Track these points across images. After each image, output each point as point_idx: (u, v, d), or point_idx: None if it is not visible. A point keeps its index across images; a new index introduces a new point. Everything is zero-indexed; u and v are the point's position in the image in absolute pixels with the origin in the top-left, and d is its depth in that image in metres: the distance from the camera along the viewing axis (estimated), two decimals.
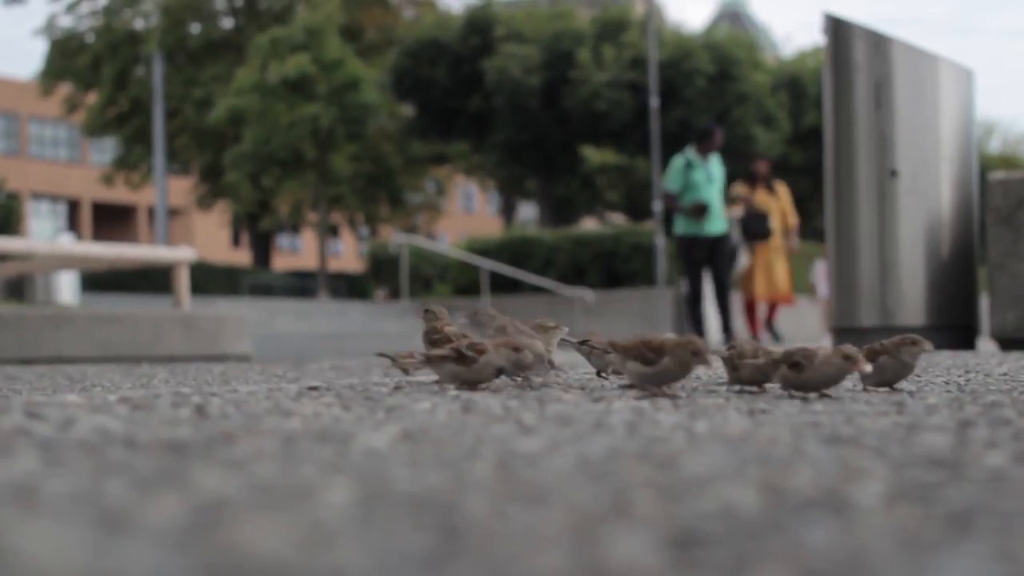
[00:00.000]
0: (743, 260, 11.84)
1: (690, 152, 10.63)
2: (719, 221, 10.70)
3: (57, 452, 1.50)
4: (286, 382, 3.69)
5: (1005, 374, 3.41)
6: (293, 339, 17.21)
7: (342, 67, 31.67)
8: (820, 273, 17.58)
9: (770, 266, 11.90)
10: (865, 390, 2.76)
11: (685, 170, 10.54)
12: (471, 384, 2.70)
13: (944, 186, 6.98)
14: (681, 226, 10.68)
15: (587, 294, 20.43)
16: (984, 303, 10.03)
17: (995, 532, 1.00)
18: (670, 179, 10.65)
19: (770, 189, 12.07)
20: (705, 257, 10.63)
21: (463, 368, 2.66)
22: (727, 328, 10.74)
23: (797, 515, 1.07)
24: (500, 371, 2.69)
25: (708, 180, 10.54)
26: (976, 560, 0.90)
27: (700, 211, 10.40)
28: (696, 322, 10.78)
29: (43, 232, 44.80)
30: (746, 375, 2.69)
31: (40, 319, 8.39)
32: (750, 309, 12.14)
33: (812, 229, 28.68)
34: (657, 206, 21.78)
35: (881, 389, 2.79)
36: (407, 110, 32.52)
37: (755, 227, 11.76)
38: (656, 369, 2.53)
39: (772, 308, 12.37)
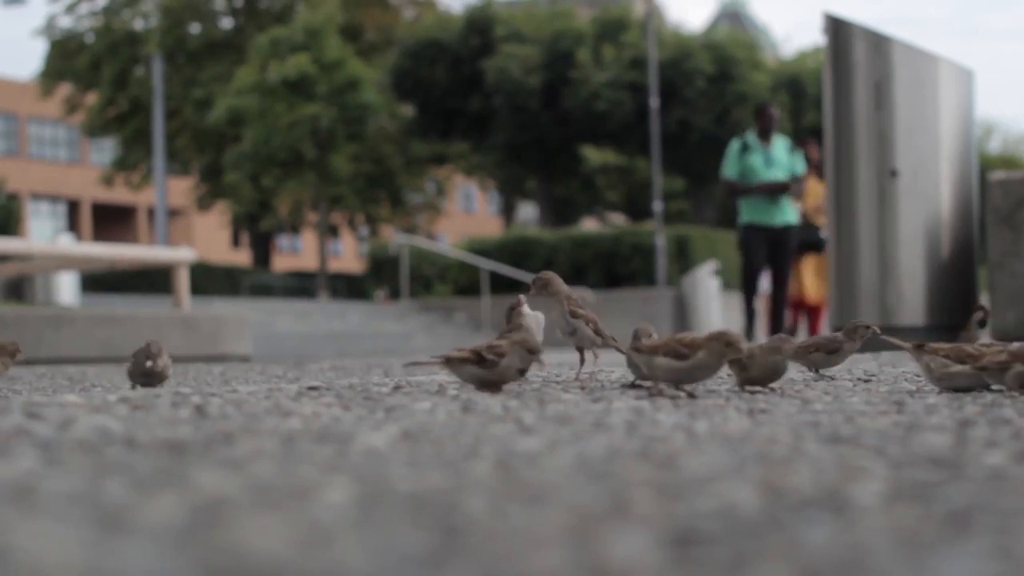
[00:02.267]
0: None
1: (750, 135, 9.65)
2: (786, 211, 9.61)
3: (57, 452, 1.50)
4: (286, 382, 3.69)
5: None
6: (293, 339, 17.20)
7: (342, 67, 31.65)
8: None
9: (820, 265, 10.79)
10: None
11: (741, 154, 9.53)
12: (493, 386, 2.70)
13: (944, 186, 6.98)
14: (745, 214, 9.60)
15: (587, 294, 20.42)
16: (984, 303, 9.97)
17: (994, 531, 1.00)
18: (726, 166, 9.62)
19: (821, 175, 10.53)
20: (766, 249, 9.58)
21: (484, 371, 2.66)
22: (777, 328, 9.77)
23: (796, 514, 1.07)
24: (522, 372, 2.70)
25: (767, 164, 9.49)
26: (975, 559, 0.90)
27: (781, 189, 9.40)
28: (750, 316, 9.78)
29: (43, 233, 44.77)
30: (755, 374, 2.68)
31: (40, 320, 8.39)
32: (797, 307, 11.11)
33: None
34: (657, 206, 21.77)
35: (882, 389, 2.79)
36: (407, 110, 32.51)
37: (806, 239, 10.49)
38: (691, 363, 2.48)
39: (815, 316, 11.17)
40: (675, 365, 2.50)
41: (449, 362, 2.73)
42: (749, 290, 9.79)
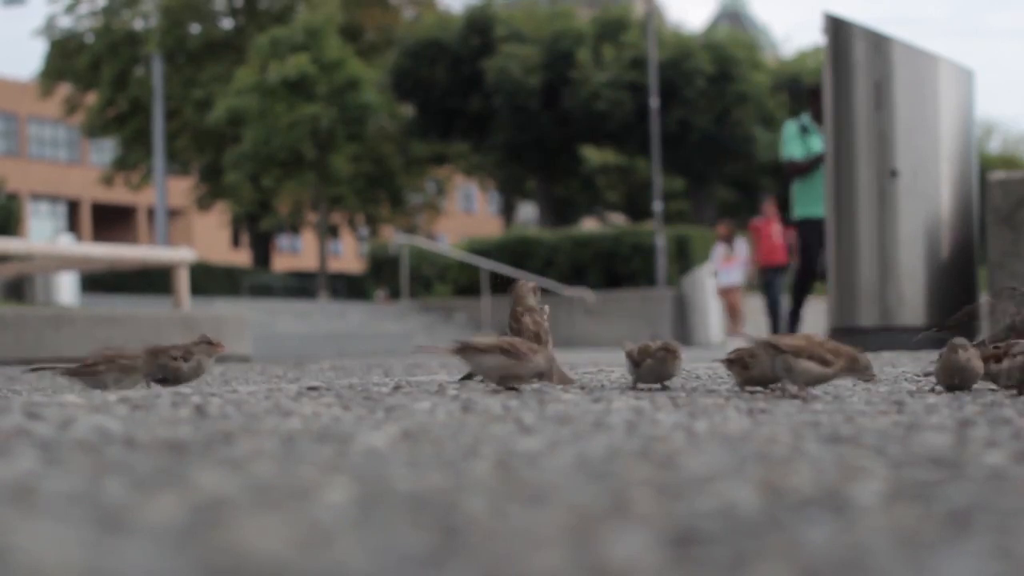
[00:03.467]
0: None
1: (805, 117, 9.16)
2: None
3: (57, 452, 1.49)
4: (286, 382, 3.69)
5: None
6: (293, 339, 17.21)
7: (342, 67, 31.66)
8: (719, 258, 15.85)
9: None
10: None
11: (802, 135, 9.03)
12: (507, 380, 2.66)
13: (944, 186, 6.98)
14: (800, 207, 9.11)
15: (587, 294, 20.42)
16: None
17: (994, 531, 1.00)
18: (789, 146, 9.08)
19: None
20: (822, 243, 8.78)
21: (513, 361, 2.63)
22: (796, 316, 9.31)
23: (796, 514, 1.07)
24: (540, 375, 2.67)
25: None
26: (975, 559, 0.90)
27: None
28: (796, 316, 9.26)
29: (43, 233, 44.76)
30: (757, 374, 2.68)
31: (40, 320, 8.39)
32: None
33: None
34: (657, 206, 21.77)
35: (882, 389, 2.79)
36: (407, 110, 32.52)
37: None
38: (834, 370, 2.47)
39: None
40: (821, 371, 2.49)
41: (466, 349, 2.68)
42: (802, 291, 9.28)
